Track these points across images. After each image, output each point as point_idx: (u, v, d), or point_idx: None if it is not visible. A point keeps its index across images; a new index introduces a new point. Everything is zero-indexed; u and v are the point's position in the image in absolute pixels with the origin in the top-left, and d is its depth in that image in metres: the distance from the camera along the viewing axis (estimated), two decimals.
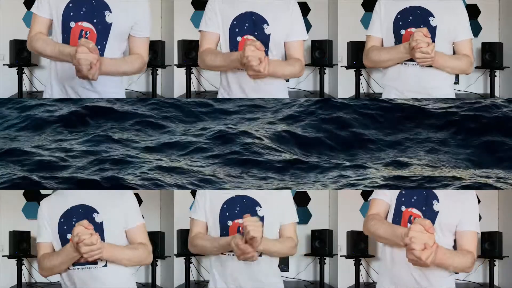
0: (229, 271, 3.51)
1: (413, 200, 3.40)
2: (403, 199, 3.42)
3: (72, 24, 3.62)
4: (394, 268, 3.42)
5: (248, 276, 3.50)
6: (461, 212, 3.40)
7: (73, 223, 3.29)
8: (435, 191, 3.41)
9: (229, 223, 3.49)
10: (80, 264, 3.33)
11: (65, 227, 3.36)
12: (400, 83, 3.83)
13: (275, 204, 3.56)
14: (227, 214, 3.50)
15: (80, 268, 3.34)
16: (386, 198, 3.47)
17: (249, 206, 3.50)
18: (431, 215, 3.36)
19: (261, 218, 3.47)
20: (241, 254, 3.35)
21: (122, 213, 3.42)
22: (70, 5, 3.63)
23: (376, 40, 3.85)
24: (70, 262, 3.32)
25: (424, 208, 3.39)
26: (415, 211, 3.39)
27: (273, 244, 3.49)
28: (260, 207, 3.51)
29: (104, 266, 3.35)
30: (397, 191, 3.46)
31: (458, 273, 5.59)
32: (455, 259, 3.31)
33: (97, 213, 3.36)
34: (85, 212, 3.35)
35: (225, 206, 3.52)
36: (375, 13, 3.87)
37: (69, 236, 3.29)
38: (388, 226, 3.40)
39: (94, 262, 3.33)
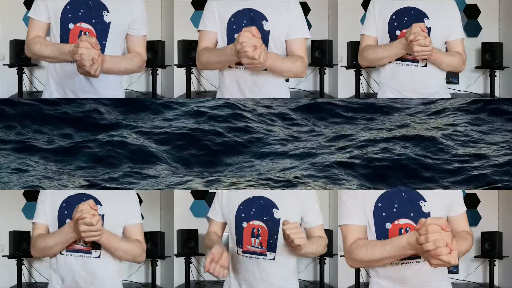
0: (241, 272, 3.47)
1: (395, 209, 3.01)
2: (383, 214, 3.00)
3: (71, 25, 3.62)
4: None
5: (261, 279, 3.43)
6: (450, 200, 3.15)
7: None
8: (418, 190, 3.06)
9: (244, 224, 3.42)
10: (73, 250, 3.31)
11: (65, 212, 3.33)
12: (395, 82, 3.84)
13: (293, 206, 3.47)
14: (243, 215, 3.42)
15: (73, 255, 3.31)
16: (359, 221, 3.04)
17: (265, 208, 3.42)
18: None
19: (278, 220, 3.41)
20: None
21: (124, 209, 3.40)
22: (68, 7, 3.63)
23: (371, 39, 3.85)
24: (65, 244, 3.27)
25: (412, 214, 3.03)
26: (404, 221, 3.02)
27: (310, 251, 3.37)
28: (277, 209, 3.42)
29: (97, 257, 3.32)
30: (370, 209, 3.01)
31: (457, 271, 5.57)
32: (463, 244, 3.06)
33: (100, 205, 3.34)
34: None
35: (241, 207, 3.44)
36: (369, 13, 3.87)
37: (68, 221, 3.25)
38: (382, 244, 2.91)
39: (88, 252, 3.32)
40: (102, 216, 3.30)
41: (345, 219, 3.08)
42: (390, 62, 3.80)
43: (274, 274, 3.44)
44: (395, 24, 3.79)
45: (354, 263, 3.03)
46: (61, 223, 3.32)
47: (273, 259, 3.41)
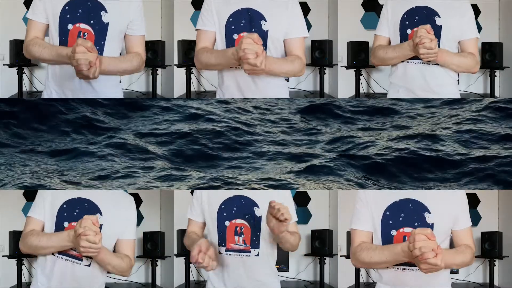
0: (226, 270, 3.50)
1: (401, 218, 3.26)
2: (390, 222, 3.26)
3: (70, 26, 3.62)
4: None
5: (246, 275, 3.49)
6: (455, 214, 3.32)
7: (75, 213, 3.27)
8: (424, 201, 3.25)
9: (227, 223, 3.47)
10: (65, 254, 3.31)
11: (65, 214, 3.33)
12: (407, 81, 3.87)
13: None
14: (225, 214, 3.48)
15: (64, 259, 3.31)
16: (366, 227, 3.32)
17: (246, 206, 3.47)
18: None
19: (259, 218, 3.46)
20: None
21: (121, 222, 3.42)
22: (66, 7, 3.63)
23: (383, 39, 3.91)
24: (59, 249, 3.28)
25: (416, 224, 3.24)
26: (408, 230, 3.24)
27: (289, 237, 3.41)
28: (258, 207, 3.48)
29: (87, 265, 3.33)
30: (378, 216, 3.28)
31: (457, 271, 5.57)
32: (458, 257, 3.27)
33: (101, 215, 3.34)
34: (90, 209, 3.32)
35: (222, 206, 3.49)
36: (382, 14, 3.93)
37: (66, 224, 3.27)
38: (381, 249, 3.23)
39: (79, 258, 3.31)
40: (100, 226, 3.31)
41: (355, 224, 3.36)
42: (402, 61, 3.83)
43: (258, 270, 3.50)
44: (407, 23, 3.82)
45: (357, 263, 3.33)
46: (58, 223, 3.31)
47: (257, 255, 3.47)
